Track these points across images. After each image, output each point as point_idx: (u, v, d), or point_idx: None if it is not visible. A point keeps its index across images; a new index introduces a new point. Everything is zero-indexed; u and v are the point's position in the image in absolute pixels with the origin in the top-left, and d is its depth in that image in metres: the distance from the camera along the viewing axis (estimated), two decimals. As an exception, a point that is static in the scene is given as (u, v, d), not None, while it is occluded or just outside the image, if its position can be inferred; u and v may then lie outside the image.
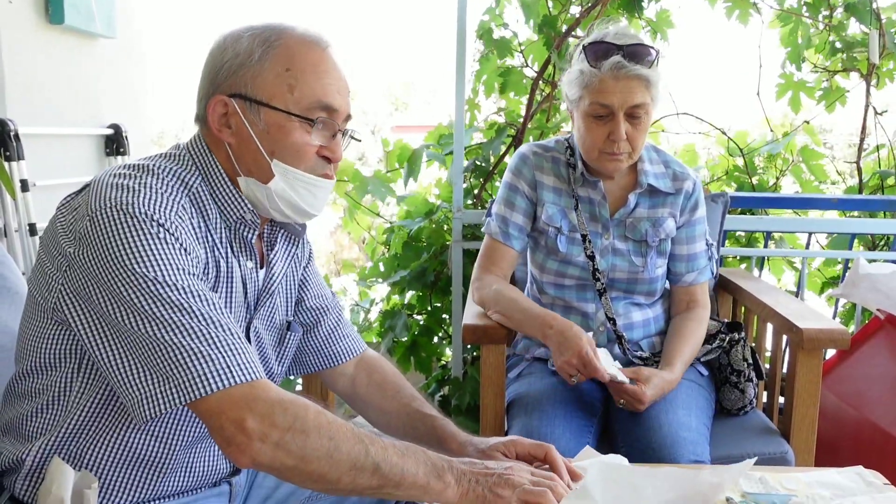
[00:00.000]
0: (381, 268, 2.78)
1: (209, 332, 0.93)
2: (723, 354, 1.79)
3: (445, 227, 2.70)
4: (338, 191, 2.78)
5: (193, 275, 0.98)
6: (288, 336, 1.26)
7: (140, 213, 0.96)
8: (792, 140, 2.74)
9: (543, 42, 2.53)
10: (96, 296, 0.95)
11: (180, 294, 0.94)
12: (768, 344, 1.96)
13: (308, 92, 1.07)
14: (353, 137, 1.18)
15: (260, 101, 1.06)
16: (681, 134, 2.83)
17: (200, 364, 0.91)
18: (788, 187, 2.89)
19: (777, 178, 2.82)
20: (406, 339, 2.70)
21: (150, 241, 0.95)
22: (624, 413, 1.61)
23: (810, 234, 2.66)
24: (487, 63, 2.62)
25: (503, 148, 2.65)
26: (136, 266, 0.93)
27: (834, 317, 2.74)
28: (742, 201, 2.59)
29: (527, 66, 2.64)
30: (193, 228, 1.03)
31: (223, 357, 0.92)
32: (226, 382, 0.91)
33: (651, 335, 1.78)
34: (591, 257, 1.72)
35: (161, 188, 1.01)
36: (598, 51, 1.60)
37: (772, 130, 2.83)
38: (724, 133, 2.80)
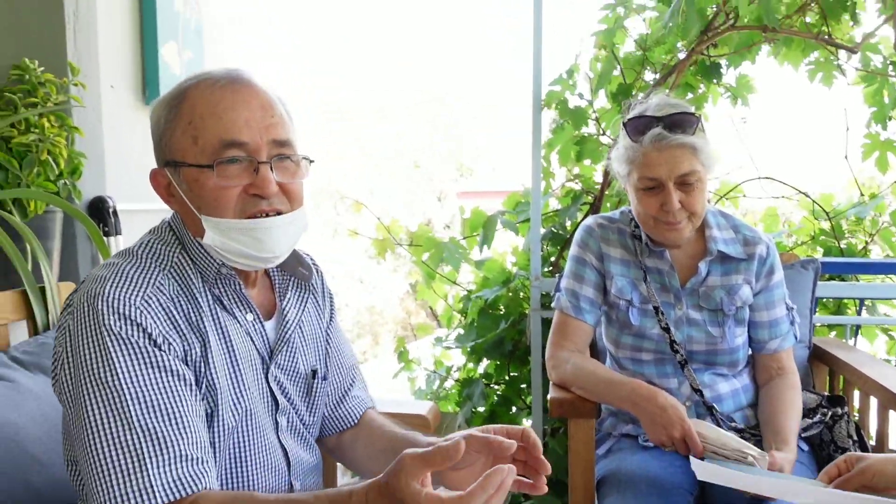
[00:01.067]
0: (461, 334, 2.77)
1: (142, 446, 0.94)
2: (825, 430, 1.70)
3: (522, 294, 2.67)
4: (416, 256, 2.80)
5: (157, 367, 0.98)
6: (315, 384, 1.24)
7: (108, 306, 0.98)
8: (881, 202, 2.65)
9: (618, 110, 2.53)
10: (69, 397, 0.99)
11: (126, 401, 0.95)
12: (872, 418, 1.85)
13: (210, 137, 1.04)
14: (306, 159, 1.12)
15: (177, 161, 1.07)
16: (763, 199, 2.77)
17: (121, 484, 0.92)
18: (876, 251, 2.78)
19: (867, 243, 2.71)
20: (484, 409, 2.66)
21: (111, 341, 0.97)
22: (721, 490, 1.52)
23: (907, 299, 2.54)
24: (562, 133, 2.63)
25: (580, 215, 2.63)
26: (92, 367, 0.96)
27: (938, 388, 2.58)
28: (832, 267, 2.49)
29: (602, 133, 2.64)
30: (164, 308, 1.03)
31: (145, 477, 0.93)
32: None
33: (742, 407, 1.70)
34: (666, 329, 1.67)
35: (135, 271, 1.04)
36: (639, 125, 1.60)
37: (862, 194, 2.73)
38: (807, 196, 2.72)
